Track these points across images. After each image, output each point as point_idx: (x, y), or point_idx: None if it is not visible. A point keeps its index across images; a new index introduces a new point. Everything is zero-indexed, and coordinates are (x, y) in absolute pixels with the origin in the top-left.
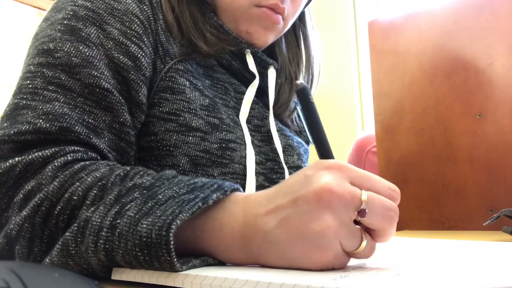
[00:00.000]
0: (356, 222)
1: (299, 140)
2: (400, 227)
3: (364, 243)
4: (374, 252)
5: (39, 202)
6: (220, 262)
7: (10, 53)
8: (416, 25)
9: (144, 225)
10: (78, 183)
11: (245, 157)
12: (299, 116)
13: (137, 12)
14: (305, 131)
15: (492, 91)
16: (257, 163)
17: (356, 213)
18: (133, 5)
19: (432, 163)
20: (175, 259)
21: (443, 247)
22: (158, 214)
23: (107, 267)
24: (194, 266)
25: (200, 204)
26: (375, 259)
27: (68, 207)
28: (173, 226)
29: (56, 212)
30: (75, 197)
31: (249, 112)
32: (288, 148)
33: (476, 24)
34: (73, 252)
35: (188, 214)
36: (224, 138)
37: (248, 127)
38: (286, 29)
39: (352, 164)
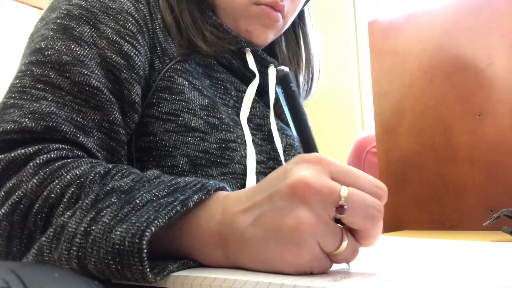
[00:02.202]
0: (339, 223)
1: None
2: (400, 227)
3: (344, 243)
4: (357, 254)
5: (17, 199)
6: (200, 264)
7: (10, 53)
8: (416, 25)
9: (118, 232)
10: (57, 181)
11: (245, 156)
12: None
13: (132, 11)
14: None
15: (492, 91)
16: (258, 163)
17: (335, 209)
18: (128, 4)
19: (432, 163)
20: (148, 269)
21: (443, 247)
22: (133, 221)
23: (82, 274)
24: (171, 272)
25: (178, 207)
26: (375, 260)
27: (46, 205)
28: (147, 234)
29: (34, 210)
30: (53, 195)
31: (250, 111)
32: (289, 147)
33: (476, 24)
34: (47, 258)
35: (164, 220)
36: (224, 138)
37: (249, 126)
38: (286, 27)
39: (351, 164)
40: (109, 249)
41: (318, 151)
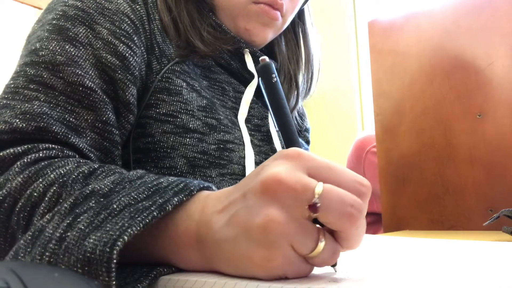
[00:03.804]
0: (318, 223)
1: (300, 140)
2: (400, 227)
3: (321, 244)
4: (337, 257)
5: (1, 198)
6: (173, 270)
7: (10, 53)
8: (416, 25)
9: (92, 240)
10: (41, 179)
11: (244, 157)
12: (299, 116)
13: (128, 12)
14: (305, 131)
15: (492, 91)
16: (257, 163)
17: (307, 207)
18: (125, 5)
19: (432, 163)
20: (113, 282)
21: (443, 247)
22: (108, 228)
23: None
24: None
25: (155, 213)
26: (375, 260)
27: (28, 204)
28: (119, 243)
29: (17, 209)
30: (35, 194)
31: (249, 112)
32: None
33: (476, 24)
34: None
35: (138, 228)
36: (222, 139)
37: (248, 126)
38: (285, 26)
39: (351, 164)
40: (80, 256)
41: (300, 145)
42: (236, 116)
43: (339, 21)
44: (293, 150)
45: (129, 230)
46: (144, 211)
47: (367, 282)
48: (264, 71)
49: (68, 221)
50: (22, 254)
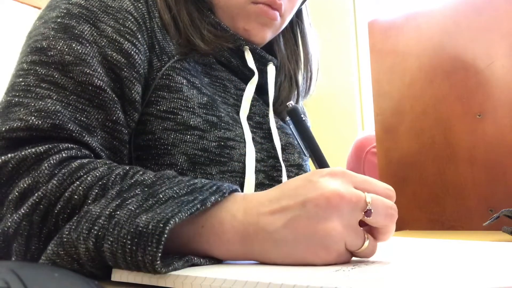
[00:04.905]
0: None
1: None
2: (400, 227)
3: (366, 242)
4: (376, 251)
5: (37, 200)
6: (205, 262)
7: (10, 53)
8: (416, 25)
9: (144, 218)
10: (78, 182)
11: (244, 155)
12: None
13: (131, 10)
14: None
15: (492, 91)
16: (258, 161)
17: (363, 214)
18: (128, 3)
19: (432, 163)
20: (159, 254)
21: (443, 247)
22: (158, 211)
23: (93, 259)
24: (175, 269)
25: (198, 206)
26: (375, 259)
27: (69, 206)
28: (171, 222)
29: (56, 211)
30: (76, 197)
31: (250, 109)
32: (288, 146)
33: (476, 24)
34: (65, 240)
35: (186, 214)
36: (223, 136)
37: (249, 124)
38: (284, 26)
39: (351, 164)
40: (132, 230)
41: (329, 166)
42: (238, 113)
43: (339, 21)
44: (337, 169)
45: (180, 215)
46: (188, 203)
47: (367, 282)
48: (293, 114)
49: (117, 203)
50: (66, 232)
